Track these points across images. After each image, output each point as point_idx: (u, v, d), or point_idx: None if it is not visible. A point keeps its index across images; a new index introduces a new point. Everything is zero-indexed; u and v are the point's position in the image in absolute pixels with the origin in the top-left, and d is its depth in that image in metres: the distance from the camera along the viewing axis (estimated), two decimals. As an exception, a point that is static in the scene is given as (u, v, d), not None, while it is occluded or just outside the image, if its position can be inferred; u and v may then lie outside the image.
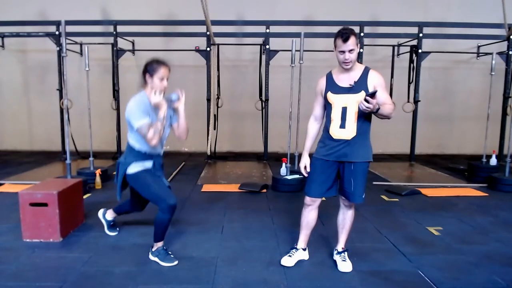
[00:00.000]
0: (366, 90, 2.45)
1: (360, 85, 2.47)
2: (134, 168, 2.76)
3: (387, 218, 3.89)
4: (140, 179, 2.76)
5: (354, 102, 2.47)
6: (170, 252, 2.86)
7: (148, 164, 2.78)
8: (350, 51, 2.40)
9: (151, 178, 2.76)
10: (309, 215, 2.77)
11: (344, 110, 2.50)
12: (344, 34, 2.39)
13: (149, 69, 2.65)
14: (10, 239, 3.20)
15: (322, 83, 2.62)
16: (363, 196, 2.64)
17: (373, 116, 2.51)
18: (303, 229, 2.83)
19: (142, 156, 2.75)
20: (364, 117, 2.51)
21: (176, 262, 2.78)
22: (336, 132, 2.55)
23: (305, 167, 2.70)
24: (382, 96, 2.45)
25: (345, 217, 2.76)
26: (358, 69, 2.52)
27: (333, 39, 2.47)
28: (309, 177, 2.71)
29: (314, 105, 2.73)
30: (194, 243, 3.16)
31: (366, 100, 2.28)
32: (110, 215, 3.32)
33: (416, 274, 2.68)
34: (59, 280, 2.51)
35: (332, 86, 2.56)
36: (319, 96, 2.66)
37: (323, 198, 2.75)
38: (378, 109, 2.36)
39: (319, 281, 2.56)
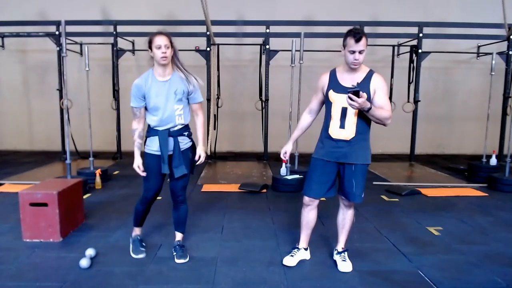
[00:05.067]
0: (368, 93, 2.44)
1: (362, 87, 2.45)
2: (147, 146, 2.76)
3: (387, 218, 3.89)
4: (145, 161, 2.76)
5: None
6: (144, 244, 2.97)
7: (156, 143, 2.71)
8: (361, 52, 2.39)
9: (150, 165, 2.74)
10: (309, 215, 2.77)
11: (344, 110, 2.49)
12: (357, 34, 2.35)
13: (148, 44, 2.65)
14: (10, 239, 3.20)
15: (325, 79, 2.60)
16: (363, 196, 2.64)
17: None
18: (304, 229, 2.83)
19: (151, 130, 2.75)
20: (364, 118, 2.50)
21: (142, 255, 2.85)
22: (335, 132, 2.55)
23: (285, 153, 2.83)
24: (381, 100, 2.45)
25: (345, 217, 2.76)
26: (363, 71, 2.51)
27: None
28: (308, 177, 2.70)
29: (312, 99, 2.72)
30: (194, 243, 3.16)
31: (350, 98, 2.29)
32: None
33: (416, 274, 2.68)
34: (59, 280, 2.51)
35: (335, 84, 2.54)
36: (320, 91, 2.65)
37: (323, 198, 2.75)
38: (370, 108, 2.34)
39: (319, 281, 2.56)
